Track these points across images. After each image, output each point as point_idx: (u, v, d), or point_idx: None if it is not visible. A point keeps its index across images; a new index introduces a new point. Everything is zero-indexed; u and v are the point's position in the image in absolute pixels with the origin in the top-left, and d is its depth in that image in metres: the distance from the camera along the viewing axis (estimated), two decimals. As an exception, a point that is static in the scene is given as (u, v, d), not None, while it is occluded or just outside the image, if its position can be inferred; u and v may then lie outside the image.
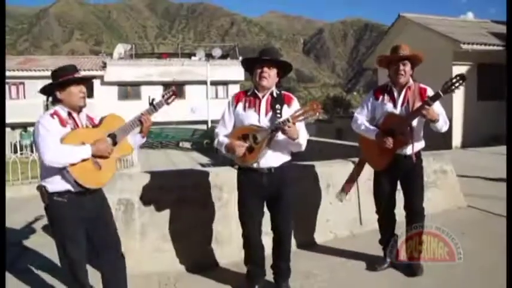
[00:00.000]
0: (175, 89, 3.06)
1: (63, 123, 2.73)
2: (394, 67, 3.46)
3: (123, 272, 3.05)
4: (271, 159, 3.13)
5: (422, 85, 3.46)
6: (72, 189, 2.73)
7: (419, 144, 3.58)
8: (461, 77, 3.09)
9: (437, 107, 3.40)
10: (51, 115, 2.72)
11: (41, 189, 2.76)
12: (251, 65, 3.22)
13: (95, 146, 2.72)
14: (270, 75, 3.12)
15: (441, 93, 3.19)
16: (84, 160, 2.69)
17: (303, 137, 3.09)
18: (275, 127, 2.99)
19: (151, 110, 2.96)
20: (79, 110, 2.86)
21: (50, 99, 2.85)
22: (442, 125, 3.38)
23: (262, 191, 3.18)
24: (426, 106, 3.23)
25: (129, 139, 3.01)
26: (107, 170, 2.83)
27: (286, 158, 3.22)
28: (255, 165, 3.13)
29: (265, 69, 3.11)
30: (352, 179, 4.16)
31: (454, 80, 3.11)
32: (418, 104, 3.38)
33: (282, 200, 3.20)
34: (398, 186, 3.71)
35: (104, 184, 2.87)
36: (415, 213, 3.60)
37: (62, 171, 2.67)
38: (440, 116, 3.36)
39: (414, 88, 3.46)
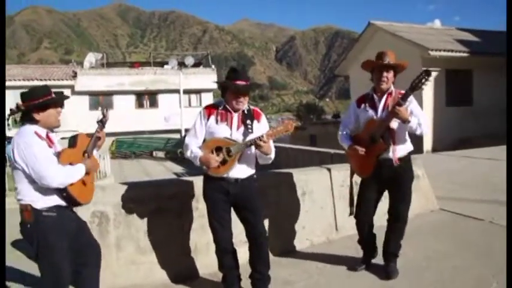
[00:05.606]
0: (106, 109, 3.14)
1: (50, 144, 2.76)
2: (377, 73, 3.51)
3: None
4: (238, 171, 3.25)
5: (402, 91, 3.47)
6: (62, 203, 2.75)
7: (405, 147, 3.57)
8: (426, 72, 3.18)
9: (416, 110, 3.47)
10: (39, 136, 2.69)
11: (27, 208, 2.66)
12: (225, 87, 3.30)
13: (86, 165, 2.80)
14: (245, 99, 3.26)
15: (409, 91, 3.30)
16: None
17: (273, 151, 3.27)
18: (250, 142, 3.14)
19: (101, 127, 3.02)
20: (52, 130, 2.88)
21: (18, 115, 2.80)
22: (415, 127, 3.38)
23: (229, 198, 3.28)
24: (397, 106, 3.27)
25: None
26: (90, 185, 2.90)
27: (252, 170, 3.37)
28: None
29: (241, 97, 3.21)
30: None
31: (420, 77, 3.21)
32: None
33: (250, 208, 3.31)
34: (385, 193, 3.72)
35: (91, 199, 2.94)
36: (397, 218, 3.64)
37: (55, 190, 2.67)
38: (414, 117, 3.38)
39: (394, 95, 3.51)
